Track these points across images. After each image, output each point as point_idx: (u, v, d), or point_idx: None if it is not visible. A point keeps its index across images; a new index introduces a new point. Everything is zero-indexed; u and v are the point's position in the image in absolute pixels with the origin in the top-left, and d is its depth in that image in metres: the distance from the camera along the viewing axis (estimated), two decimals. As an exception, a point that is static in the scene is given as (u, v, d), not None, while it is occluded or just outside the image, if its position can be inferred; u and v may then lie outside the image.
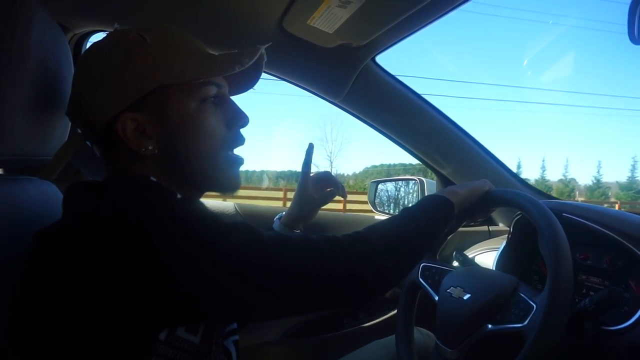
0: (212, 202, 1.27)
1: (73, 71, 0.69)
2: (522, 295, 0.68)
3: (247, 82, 0.69)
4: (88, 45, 1.07)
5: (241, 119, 0.63)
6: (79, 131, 0.60)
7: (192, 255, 0.43)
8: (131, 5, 0.91)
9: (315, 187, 0.84)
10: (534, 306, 0.63)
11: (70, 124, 0.70)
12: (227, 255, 0.45)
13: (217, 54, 0.61)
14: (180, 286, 0.43)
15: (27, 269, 0.48)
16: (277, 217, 0.86)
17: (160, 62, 0.56)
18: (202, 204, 0.52)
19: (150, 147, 0.56)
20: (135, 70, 0.56)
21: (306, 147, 0.84)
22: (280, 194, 13.32)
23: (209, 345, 0.51)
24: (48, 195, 0.66)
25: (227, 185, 0.63)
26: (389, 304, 1.31)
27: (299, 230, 0.85)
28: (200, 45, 0.61)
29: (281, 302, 0.50)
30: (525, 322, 0.63)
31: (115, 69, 0.56)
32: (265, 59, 0.64)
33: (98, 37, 1.05)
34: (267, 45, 0.62)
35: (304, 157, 0.83)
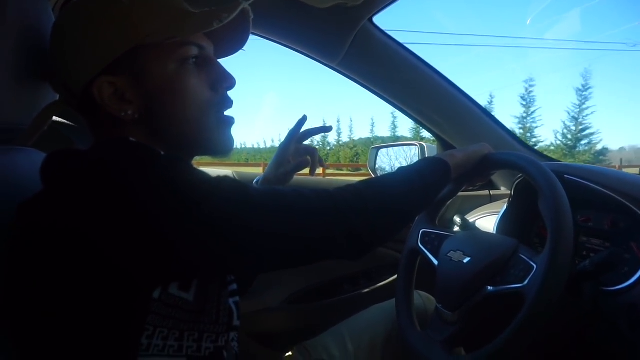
0: (208, 169, 1.25)
1: None
2: (522, 256, 0.68)
3: (235, 42, 0.65)
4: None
5: (227, 81, 0.60)
6: (61, 96, 0.59)
7: (174, 213, 0.42)
8: None
9: (296, 153, 0.84)
10: (534, 266, 0.63)
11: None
12: (211, 213, 0.44)
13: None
14: (163, 244, 0.42)
15: (13, 239, 0.48)
16: (254, 180, 0.86)
17: (134, 21, 0.53)
18: (187, 162, 0.51)
19: (130, 112, 0.54)
20: (108, 31, 0.53)
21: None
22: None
23: (204, 302, 0.51)
24: (38, 164, 0.65)
25: (218, 147, 0.61)
26: (389, 269, 1.32)
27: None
28: (180, 4, 0.58)
29: (270, 257, 0.50)
30: (525, 282, 0.63)
31: (89, 30, 0.54)
32: (252, 16, 0.61)
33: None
34: (250, 1, 0.58)
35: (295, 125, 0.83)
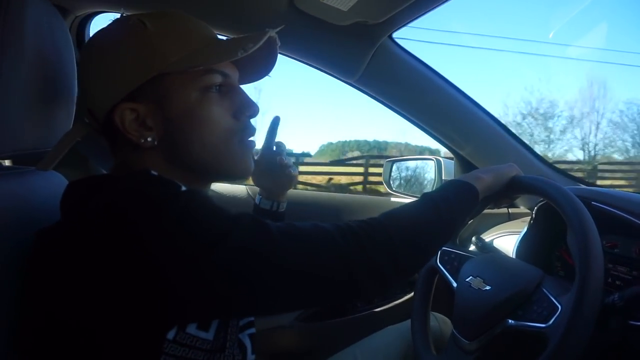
0: (224, 185, 1.25)
1: (74, 56, 0.67)
2: (546, 292, 0.65)
3: (261, 69, 0.65)
4: (91, 27, 1.04)
5: (249, 109, 0.60)
6: (87, 120, 0.59)
7: (188, 257, 0.42)
8: None
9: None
10: (559, 307, 0.61)
11: (73, 113, 0.69)
12: (226, 257, 0.43)
13: (225, 38, 0.58)
14: (178, 288, 0.42)
15: (29, 265, 0.48)
16: (257, 198, 0.87)
17: (158, 49, 0.53)
18: (207, 197, 0.50)
19: (149, 139, 0.54)
20: (132, 58, 0.53)
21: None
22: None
23: (224, 340, 0.50)
24: (54, 186, 0.65)
25: (237, 174, 0.61)
26: (404, 287, 1.30)
27: (284, 203, 0.85)
28: (206, 31, 0.58)
29: (293, 297, 0.48)
30: (549, 323, 0.60)
31: (114, 56, 0.54)
32: (279, 44, 0.61)
33: (102, 18, 1.02)
34: (277, 30, 0.58)
35: (267, 129, 0.83)
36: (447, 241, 0.64)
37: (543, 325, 0.61)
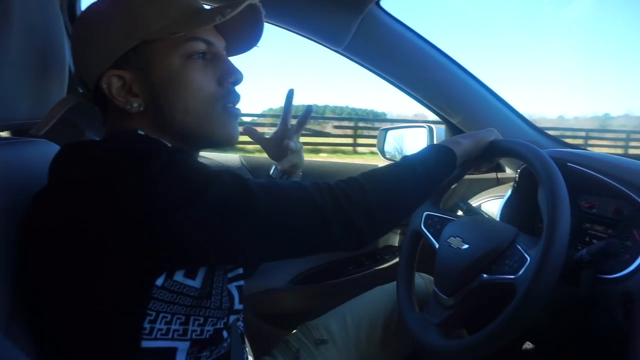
0: (217, 154, 1.27)
1: (64, 28, 0.69)
2: (519, 246, 0.68)
3: (248, 39, 0.67)
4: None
5: (232, 75, 0.61)
6: (80, 90, 0.62)
7: (168, 208, 0.45)
8: None
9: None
10: (528, 259, 0.64)
11: (66, 84, 0.71)
12: (206, 208, 0.46)
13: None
14: (159, 239, 0.45)
15: (26, 228, 0.51)
16: (271, 171, 0.86)
17: (141, 17, 0.55)
18: (190, 154, 0.53)
19: (135, 105, 0.57)
20: (116, 27, 0.56)
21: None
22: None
23: (210, 288, 0.54)
24: (50, 155, 0.68)
25: (222, 140, 0.62)
26: (393, 250, 1.34)
27: (298, 177, 0.85)
28: (189, 1, 0.59)
29: (269, 246, 0.52)
30: (518, 275, 0.63)
31: (100, 25, 0.57)
32: (263, 12, 0.62)
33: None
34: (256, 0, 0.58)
35: (284, 102, 0.82)
36: (422, 201, 0.67)
37: (512, 276, 0.64)
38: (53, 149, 0.71)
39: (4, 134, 0.81)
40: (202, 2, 0.62)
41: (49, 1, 0.65)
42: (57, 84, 0.68)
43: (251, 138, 0.83)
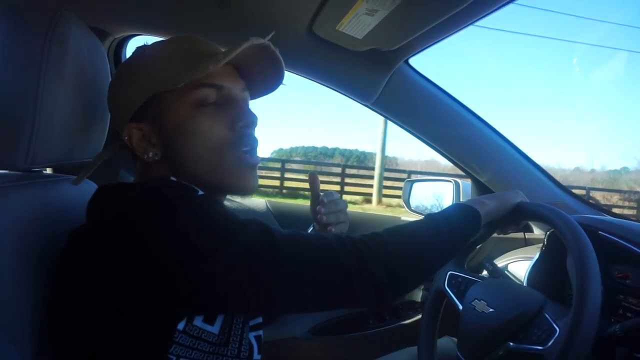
0: (244, 199, 1.30)
1: (109, 75, 0.74)
2: (547, 316, 0.66)
3: (270, 79, 0.67)
4: (128, 48, 1.12)
5: (244, 119, 0.60)
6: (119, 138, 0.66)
7: (195, 255, 0.46)
8: (163, 12, 0.94)
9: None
10: (557, 330, 0.61)
11: (107, 127, 0.76)
12: (233, 257, 0.47)
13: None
14: (184, 284, 0.46)
15: (60, 264, 0.53)
16: (310, 227, 0.84)
17: (151, 72, 0.59)
18: (220, 202, 0.54)
19: (150, 154, 0.60)
20: (132, 83, 0.60)
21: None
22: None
23: (228, 336, 0.54)
24: (85, 192, 0.71)
25: (237, 190, 0.62)
26: (416, 307, 1.30)
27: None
28: (204, 49, 0.61)
29: (291, 298, 0.51)
30: (547, 346, 0.61)
31: (121, 81, 0.62)
32: (276, 50, 0.61)
33: (139, 40, 1.10)
34: (260, 42, 0.58)
35: (310, 186, 0.79)
36: (446, 261, 0.66)
37: (541, 347, 0.61)
38: (89, 186, 0.74)
39: (48, 170, 0.86)
40: (214, 47, 0.63)
41: (98, 50, 0.71)
42: (100, 127, 0.73)
43: (310, 186, 0.79)
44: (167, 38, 0.64)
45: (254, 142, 0.62)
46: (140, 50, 0.62)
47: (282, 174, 11.48)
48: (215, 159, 0.59)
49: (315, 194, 0.78)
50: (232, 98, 0.62)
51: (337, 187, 11.09)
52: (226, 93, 0.61)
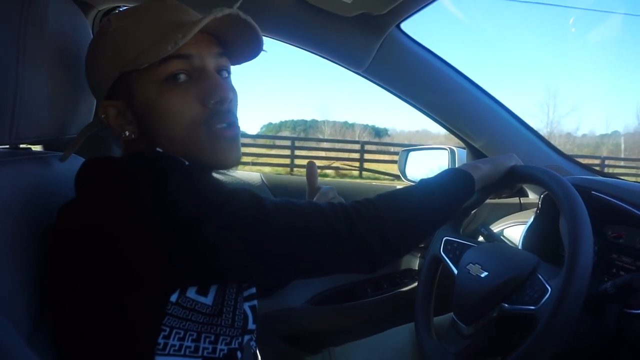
0: (238, 172, 1.29)
1: None
2: (540, 276, 0.66)
3: (249, 46, 0.62)
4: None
5: (215, 94, 0.55)
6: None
7: (185, 225, 0.45)
8: None
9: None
10: (549, 289, 0.62)
11: (94, 102, 0.74)
12: (222, 226, 0.47)
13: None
14: (175, 254, 0.46)
15: (52, 241, 0.53)
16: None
17: (117, 49, 0.56)
18: (207, 172, 0.53)
19: (127, 132, 0.58)
20: (100, 60, 0.58)
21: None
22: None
23: (221, 306, 0.54)
24: (76, 169, 0.71)
25: (220, 162, 0.58)
26: (413, 274, 1.31)
27: None
28: (171, 20, 0.56)
29: (282, 264, 0.52)
30: (538, 305, 0.62)
31: (91, 59, 0.60)
32: (247, 17, 0.56)
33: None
34: (224, 12, 0.53)
35: (307, 176, 0.78)
36: (439, 226, 0.66)
37: (533, 307, 0.62)
38: (76, 161, 0.73)
39: (37, 148, 0.85)
40: (186, 13, 0.58)
41: (81, 23, 0.69)
42: (87, 103, 0.71)
43: (307, 175, 0.77)
44: (130, 8, 0.60)
45: (231, 118, 0.58)
46: (106, 23, 0.58)
47: (292, 152, 11.04)
48: (188, 137, 0.56)
49: (312, 185, 0.77)
50: (204, 69, 0.57)
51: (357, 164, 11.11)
52: (197, 63, 0.56)
